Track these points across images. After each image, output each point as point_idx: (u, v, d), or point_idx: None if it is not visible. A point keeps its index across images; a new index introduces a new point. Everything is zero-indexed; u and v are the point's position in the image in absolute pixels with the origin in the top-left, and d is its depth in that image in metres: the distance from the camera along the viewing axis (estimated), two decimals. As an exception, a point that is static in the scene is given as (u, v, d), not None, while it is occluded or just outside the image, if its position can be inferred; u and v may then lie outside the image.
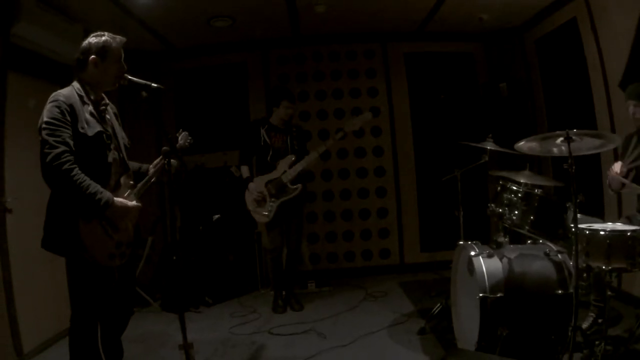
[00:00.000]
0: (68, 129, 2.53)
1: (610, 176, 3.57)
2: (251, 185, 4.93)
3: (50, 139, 2.46)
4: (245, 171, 5.03)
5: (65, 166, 2.45)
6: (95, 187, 2.52)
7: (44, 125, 2.50)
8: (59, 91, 2.63)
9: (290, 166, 4.87)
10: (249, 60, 6.50)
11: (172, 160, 2.93)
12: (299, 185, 4.89)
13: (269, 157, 4.95)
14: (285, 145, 5.00)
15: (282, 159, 4.92)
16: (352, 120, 4.94)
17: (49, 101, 2.57)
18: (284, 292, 5.19)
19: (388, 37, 6.48)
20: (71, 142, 2.52)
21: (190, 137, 3.30)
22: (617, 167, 3.54)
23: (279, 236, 5.03)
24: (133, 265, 3.09)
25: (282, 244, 5.08)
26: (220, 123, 6.42)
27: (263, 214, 4.90)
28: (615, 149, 4.10)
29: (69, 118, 2.54)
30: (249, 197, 4.95)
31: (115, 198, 2.62)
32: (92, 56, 2.69)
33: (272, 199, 4.87)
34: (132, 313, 3.07)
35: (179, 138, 3.25)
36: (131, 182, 2.86)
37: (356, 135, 6.32)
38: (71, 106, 2.56)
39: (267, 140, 4.98)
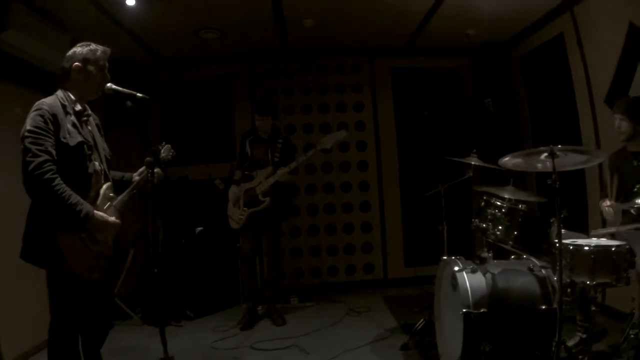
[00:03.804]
0: (51, 138, 2.50)
1: (605, 211, 3.58)
2: (233, 187, 5.07)
3: (33, 148, 2.44)
4: (236, 175, 5.14)
5: (47, 175, 2.42)
6: (75, 198, 2.50)
7: (26, 134, 2.47)
8: (43, 100, 2.61)
9: (267, 178, 4.88)
10: (236, 72, 6.50)
11: (155, 171, 2.90)
12: (267, 199, 4.89)
13: (244, 167, 5.03)
14: (266, 156, 5.00)
15: (260, 170, 4.95)
16: (325, 137, 4.91)
17: (32, 109, 2.55)
18: (259, 307, 5.19)
19: (376, 52, 6.51)
20: (53, 152, 2.49)
21: (172, 150, 3.28)
22: (607, 202, 3.58)
23: (249, 242, 5.06)
24: (112, 279, 3.06)
25: (253, 252, 5.08)
26: (205, 135, 6.40)
27: (235, 221, 4.99)
28: (599, 165, 4.12)
29: (51, 127, 2.52)
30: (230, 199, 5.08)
31: (95, 211, 2.59)
32: (76, 63, 2.69)
33: (244, 208, 4.89)
34: (111, 326, 3.03)
35: (162, 150, 3.23)
36: (111, 194, 2.83)
37: (341, 150, 6.34)
38: (54, 115, 2.54)
39: (249, 150, 5.03)
